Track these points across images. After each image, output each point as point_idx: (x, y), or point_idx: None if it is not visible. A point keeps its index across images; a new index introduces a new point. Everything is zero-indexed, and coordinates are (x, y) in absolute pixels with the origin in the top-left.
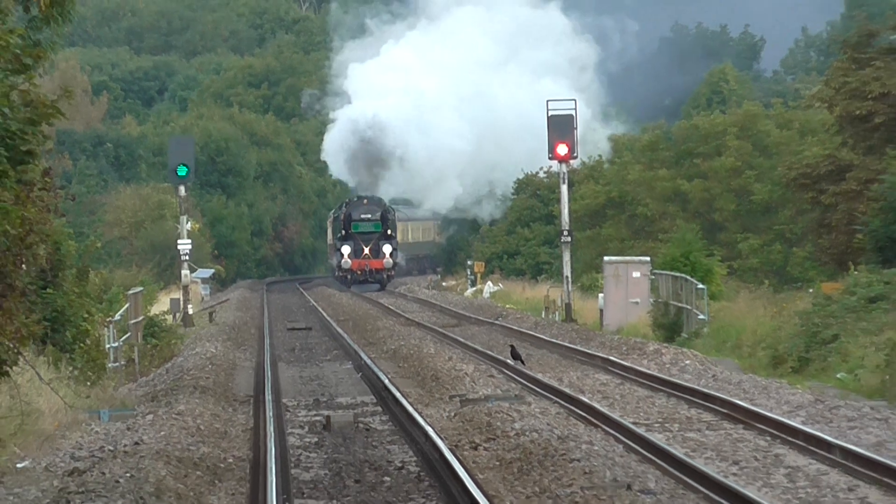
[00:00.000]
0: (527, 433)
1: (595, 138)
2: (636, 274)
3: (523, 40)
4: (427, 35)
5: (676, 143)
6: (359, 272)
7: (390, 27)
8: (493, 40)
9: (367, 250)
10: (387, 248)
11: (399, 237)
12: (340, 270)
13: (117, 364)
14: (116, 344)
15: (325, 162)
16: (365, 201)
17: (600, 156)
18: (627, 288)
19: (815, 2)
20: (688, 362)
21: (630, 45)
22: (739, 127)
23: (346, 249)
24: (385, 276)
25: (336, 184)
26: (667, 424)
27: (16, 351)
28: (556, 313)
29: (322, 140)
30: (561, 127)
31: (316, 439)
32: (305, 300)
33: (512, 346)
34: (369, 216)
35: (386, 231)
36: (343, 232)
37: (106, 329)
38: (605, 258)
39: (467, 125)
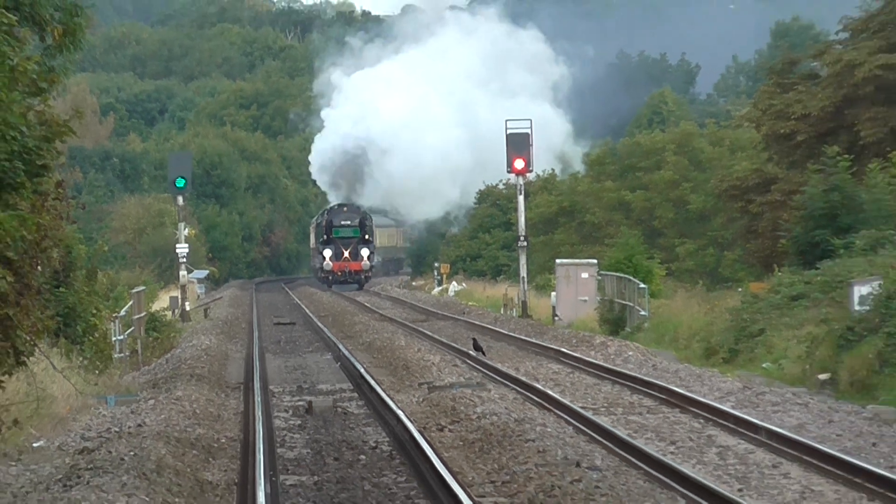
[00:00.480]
0: (487, 416)
1: (574, 153)
2: (585, 275)
3: (502, 61)
4: (411, 54)
5: (621, 158)
6: (339, 273)
7: (370, 45)
8: (476, 59)
9: (346, 253)
10: (365, 252)
11: None
12: (322, 272)
13: (122, 355)
14: (122, 337)
15: (309, 174)
16: (345, 208)
17: (552, 169)
18: (577, 287)
19: (744, 32)
20: (630, 353)
21: (587, 69)
22: (677, 144)
23: (327, 252)
24: (363, 276)
25: (318, 194)
26: (612, 409)
27: (32, 343)
28: (514, 310)
29: (306, 155)
30: (518, 144)
31: (299, 422)
32: (290, 298)
33: (474, 339)
34: (349, 222)
35: (364, 236)
36: (325, 236)
37: (112, 324)
38: (557, 261)
39: (463, 134)
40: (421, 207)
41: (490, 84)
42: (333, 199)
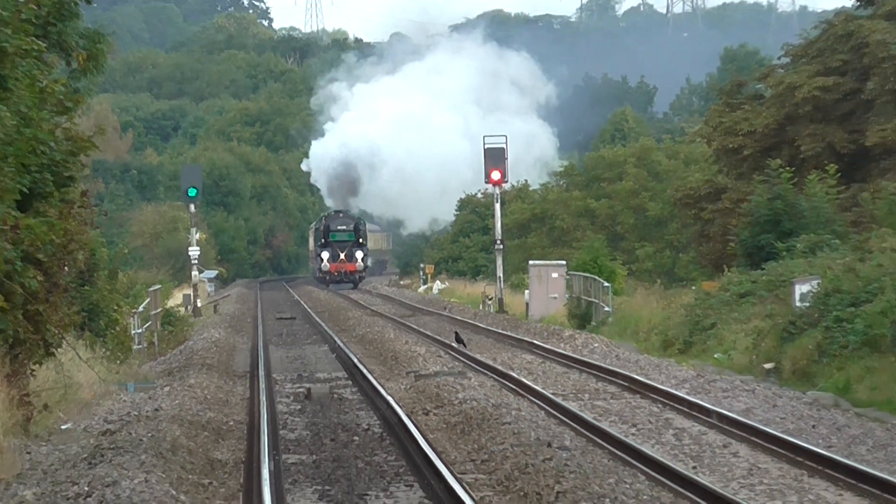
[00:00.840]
0: (468, 402)
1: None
2: (555, 275)
3: (492, 79)
4: (407, 70)
5: (587, 170)
6: (336, 273)
7: (363, 62)
8: (469, 77)
9: (342, 255)
10: (359, 254)
11: None
12: (320, 272)
13: (141, 346)
14: (140, 330)
15: (308, 184)
16: (341, 215)
17: (526, 180)
18: (548, 286)
19: (696, 57)
20: (596, 345)
21: (559, 89)
22: (637, 157)
23: (325, 255)
24: (358, 276)
25: (315, 202)
26: (579, 395)
27: (60, 336)
28: (491, 306)
29: (305, 167)
30: (495, 157)
31: (299, 407)
32: (291, 296)
33: (456, 332)
34: (344, 227)
35: (358, 240)
36: (323, 240)
37: (132, 318)
38: (530, 262)
39: (467, 144)
40: (412, 217)
41: (482, 101)
42: (331, 205)
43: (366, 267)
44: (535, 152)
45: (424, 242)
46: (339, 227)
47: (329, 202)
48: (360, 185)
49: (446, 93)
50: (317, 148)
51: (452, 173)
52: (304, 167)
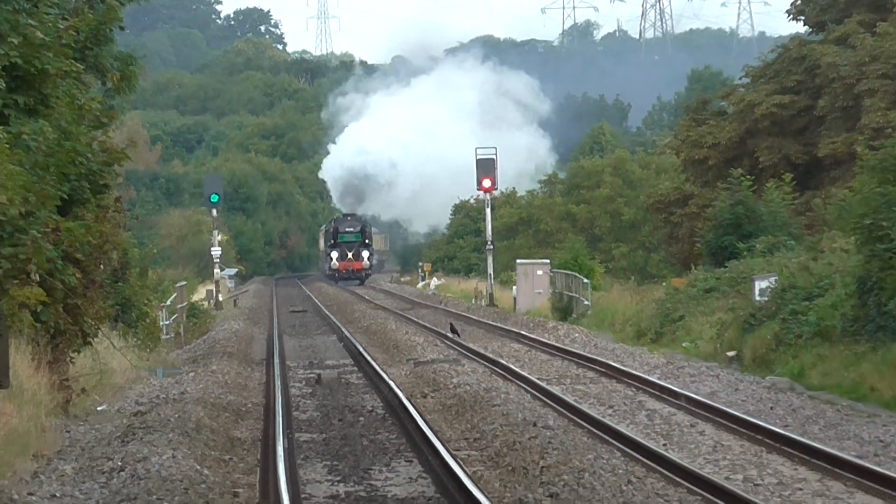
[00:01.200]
0: (462, 386)
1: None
2: (539, 272)
3: (495, 95)
4: (416, 86)
5: (569, 179)
6: (344, 271)
7: (369, 80)
8: (473, 92)
9: (350, 255)
10: (365, 254)
11: None
12: (330, 270)
13: (168, 336)
14: (168, 322)
15: (318, 191)
16: (349, 218)
17: (514, 188)
18: (533, 282)
19: (666, 78)
20: (576, 335)
21: (555, 103)
22: (613, 167)
23: (334, 254)
24: (364, 274)
25: (324, 207)
26: (561, 379)
27: (96, 327)
28: (483, 300)
29: (315, 176)
30: (486, 167)
31: (310, 390)
32: (303, 291)
33: (451, 324)
34: (352, 229)
35: (365, 241)
36: (332, 241)
37: (160, 311)
38: (518, 261)
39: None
40: (415, 219)
41: (486, 115)
42: (340, 209)
43: (371, 265)
44: (536, 162)
45: (425, 242)
46: (347, 229)
47: (339, 206)
48: (367, 192)
49: (454, 105)
50: (330, 159)
51: (456, 180)
52: (320, 176)
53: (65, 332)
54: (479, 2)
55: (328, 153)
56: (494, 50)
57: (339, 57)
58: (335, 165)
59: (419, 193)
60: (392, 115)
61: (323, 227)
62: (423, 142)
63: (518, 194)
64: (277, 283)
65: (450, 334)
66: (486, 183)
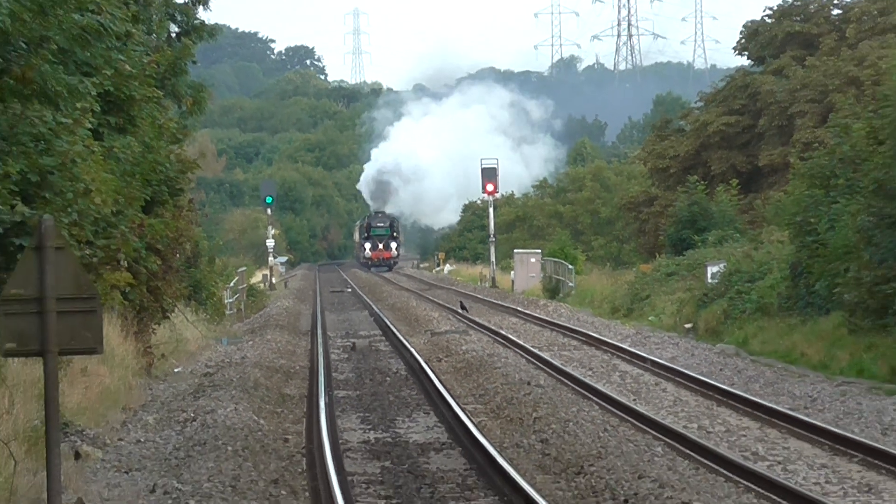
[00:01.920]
0: (469, 352)
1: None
2: (533, 260)
3: (513, 112)
4: (444, 103)
5: (557, 183)
6: (376, 260)
7: (397, 100)
8: (496, 110)
9: (381, 246)
10: (393, 245)
11: None
12: (364, 258)
13: (231, 312)
14: (231, 300)
15: (353, 194)
16: (380, 215)
17: (512, 192)
18: (528, 268)
19: (636, 102)
20: (563, 311)
21: (551, 119)
22: (592, 175)
23: (367, 245)
24: (393, 262)
25: (359, 207)
26: (550, 347)
27: (173, 304)
28: (486, 283)
29: (352, 182)
30: (489, 174)
31: (346, 356)
32: (341, 275)
33: (461, 302)
34: (382, 224)
35: (393, 234)
36: (366, 234)
37: (225, 292)
38: (515, 251)
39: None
40: (434, 216)
41: (508, 129)
42: (373, 207)
43: (399, 255)
44: (550, 169)
45: (445, 234)
46: (378, 224)
47: (371, 205)
48: (393, 194)
49: (477, 117)
50: (367, 167)
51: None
52: (358, 187)
53: (148, 308)
54: (481, 41)
55: (369, 159)
56: (499, 78)
57: (370, 85)
58: (369, 169)
59: (438, 192)
60: (422, 128)
61: (357, 222)
62: (451, 148)
63: (515, 196)
64: (320, 269)
65: (460, 310)
66: (490, 187)
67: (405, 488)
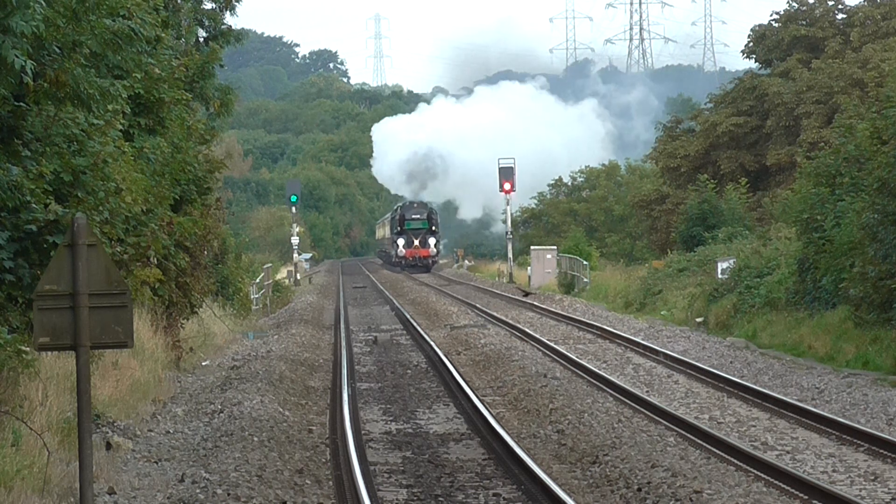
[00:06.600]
0: (488, 346)
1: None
2: (549, 256)
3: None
4: (476, 94)
5: (571, 182)
6: (410, 259)
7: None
8: (524, 102)
9: (416, 242)
10: (431, 241)
11: None
12: (396, 257)
13: (257, 307)
14: (257, 295)
15: (374, 192)
16: (415, 205)
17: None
18: (544, 264)
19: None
20: (578, 306)
21: None
22: (606, 173)
23: (401, 242)
24: (431, 262)
25: (380, 205)
26: (566, 340)
27: (201, 299)
28: (504, 278)
29: (375, 181)
30: (506, 173)
31: (369, 349)
32: (362, 270)
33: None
34: (418, 216)
35: (431, 227)
36: (399, 228)
37: (251, 287)
38: (532, 247)
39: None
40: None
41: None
42: (407, 195)
43: (438, 252)
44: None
45: (476, 229)
46: (413, 216)
47: (405, 193)
48: (432, 179)
49: (510, 110)
50: (390, 152)
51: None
52: (375, 173)
53: (177, 303)
54: (498, 46)
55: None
56: (516, 79)
57: (391, 88)
58: (404, 147)
59: (470, 186)
60: (457, 116)
61: (387, 214)
62: (478, 141)
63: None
64: (343, 265)
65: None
66: (507, 186)
67: (426, 477)
